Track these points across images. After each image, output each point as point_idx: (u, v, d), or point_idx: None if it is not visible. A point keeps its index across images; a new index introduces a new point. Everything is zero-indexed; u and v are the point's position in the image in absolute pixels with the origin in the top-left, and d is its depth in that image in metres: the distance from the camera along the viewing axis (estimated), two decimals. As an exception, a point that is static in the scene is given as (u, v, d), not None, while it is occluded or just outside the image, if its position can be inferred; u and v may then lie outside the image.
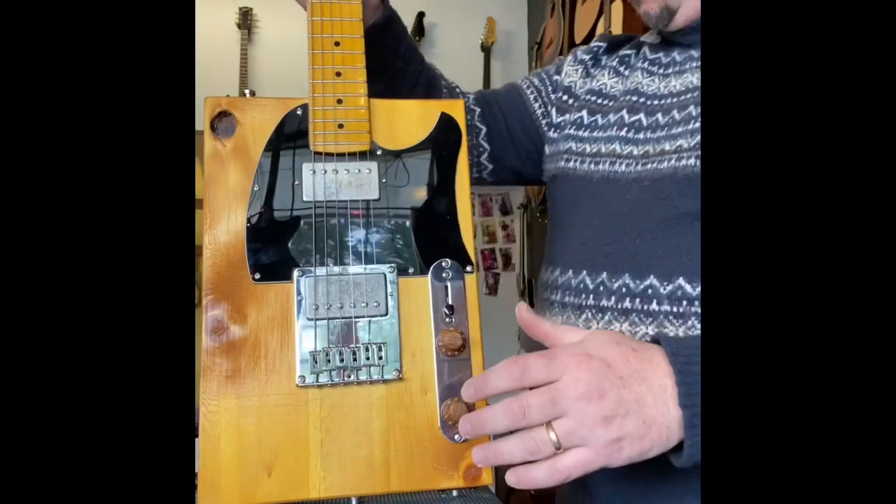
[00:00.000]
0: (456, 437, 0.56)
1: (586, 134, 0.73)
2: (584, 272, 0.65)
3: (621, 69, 0.77)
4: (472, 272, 0.60)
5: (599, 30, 2.11)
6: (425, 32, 3.09)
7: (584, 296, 0.64)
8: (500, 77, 3.19)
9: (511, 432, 0.50)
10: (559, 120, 0.79)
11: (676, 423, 0.47)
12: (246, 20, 2.97)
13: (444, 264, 0.59)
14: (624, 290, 0.61)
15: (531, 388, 0.49)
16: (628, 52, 0.78)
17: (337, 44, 0.62)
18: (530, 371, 0.48)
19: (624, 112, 0.70)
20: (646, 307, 0.60)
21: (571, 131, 0.75)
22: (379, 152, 0.61)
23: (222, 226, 0.59)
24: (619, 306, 0.61)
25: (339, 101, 0.60)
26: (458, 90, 0.86)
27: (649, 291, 0.60)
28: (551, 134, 0.80)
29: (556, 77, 0.83)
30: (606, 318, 0.62)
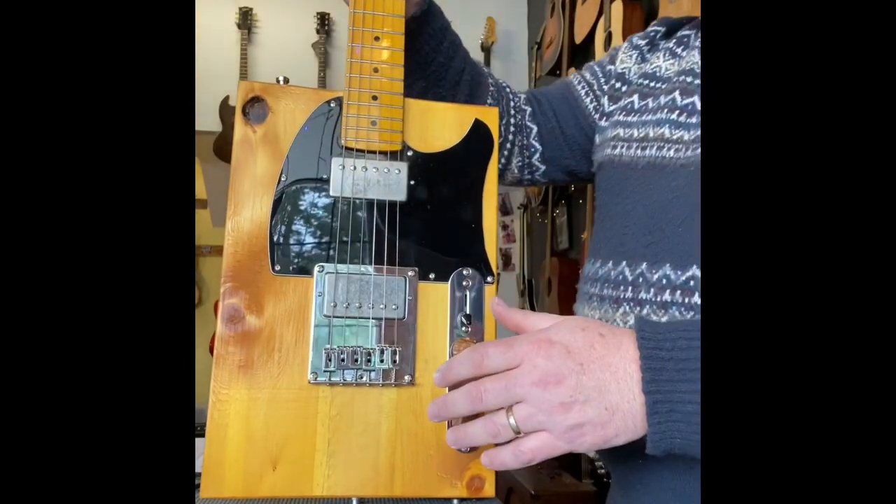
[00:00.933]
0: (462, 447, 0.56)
1: (635, 118, 0.68)
2: (624, 263, 0.60)
3: (678, 50, 0.72)
4: (492, 283, 0.59)
5: (599, 30, 2.11)
6: (425, 32, 3.09)
7: (622, 288, 0.59)
8: (500, 77, 3.17)
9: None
10: (611, 108, 0.75)
11: (642, 410, 0.46)
12: (246, 20, 2.97)
13: (465, 272, 0.59)
14: (664, 281, 0.56)
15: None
16: (687, 32, 0.73)
17: (377, 39, 0.61)
18: (489, 358, 0.49)
19: (676, 94, 0.65)
20: (687, 300, 0.54)
21: (620, 117, 0.71)
22: (410, 153, 0.60)
23: (246, 213, 0.57)
24: (659, 299, 0.56)
25: (375, 98, 0.60)
26: (507, 89, 0.84)
27: (691, 283, 0.54)
28: (602, 123, 0.76)
29: (609, 67, 0.79)
30: (645, 311, 0.57)
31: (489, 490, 0.56)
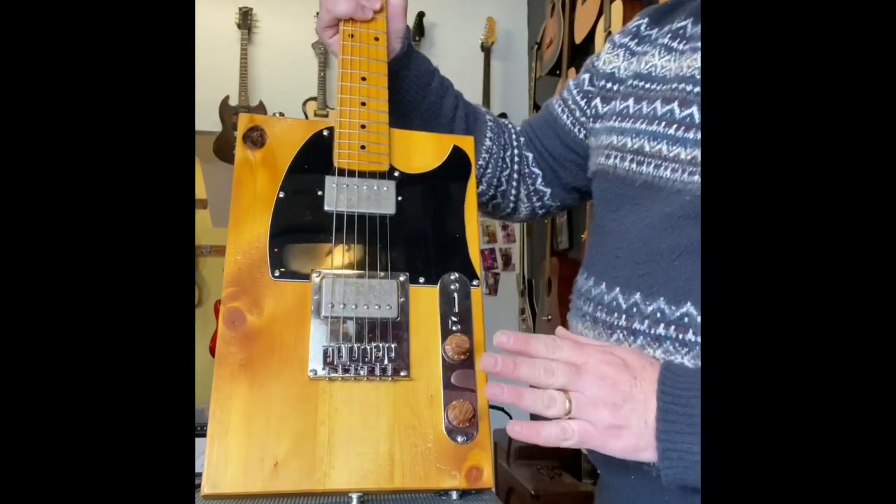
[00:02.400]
0: (459, 439, 0.57)
1: (629, 125, 0.66)
2: (618, 289, 0.61)
3: (675, 44, 0.68)
4: (477, 285, 0.64)
5: (599, 30, 2.11)
6: (425, 32, 3.09)
7: (616, 315, 0.61)
8: (500, 77, 3.19)
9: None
10: (605, 110, 0.74)
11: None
12: (246, 20, 2.97)
13: (452, 276, 0.63)
14: (658, 315, 0.57)
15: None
16: (683, 23, 0.69)
17: (363, 78, 0.69)
18: (561, 349, 0.53)
19: (675, 105, 0.62)
20: (681, 336, 0.56)
21: (615, 123, 0.69)
22: (396, 174, 0.66)
23: (247, 226, 0.61)
24: (653, 332, 0.58)
25: (363, 126, 0.67)
26: (508, 124, 0.86)
27: (685, 320, 0.56)
28: (595, 125, 0.75)
29: (583, 77, 0.79)
30: (639, 342, 0.59)
31: (487, 480, 0.57)
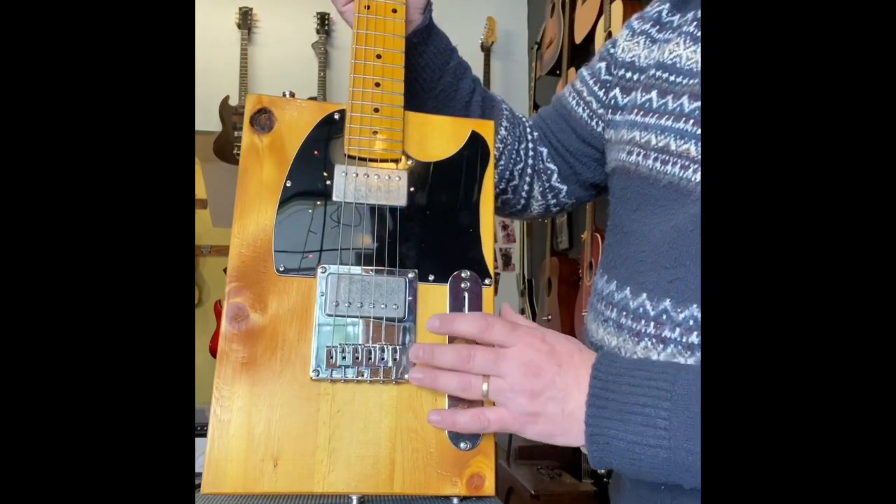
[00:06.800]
0: (462, 445, 0.57)
1: (653, 121, 0.63)
2: (644, 295, 0.58)
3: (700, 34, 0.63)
4: (489, 284, 0.62)
5: (599, 30, 2.11)
6: (425, 32, 3.09)
7: (643, 322, 0.58)
8: (500, 77, 3.19)
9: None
10: (625, 101, 0.69)
11: (583, 433, 0.52)
12: (246, 20, 2.97)
13: (463, 275, 0.61)
14: (692, 322, 0.55)
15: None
16: None
17: (378, 56, 0.64)
18: (493, 330, 0.54)
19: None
20: None
21: (636, 117, 0.65)
22: (410, 162, 0.63)
23: (252, 217, 0.59)
24: (686, 340, 0.55)
25: (376, 110, 0.63)
26: (523, 118, 0.84)
27: None
28: (616, 118, 0.70)
29: (599, 65, 0.76)
30: (669, 350, 0.56)
31: (489, 488, 0.56)
